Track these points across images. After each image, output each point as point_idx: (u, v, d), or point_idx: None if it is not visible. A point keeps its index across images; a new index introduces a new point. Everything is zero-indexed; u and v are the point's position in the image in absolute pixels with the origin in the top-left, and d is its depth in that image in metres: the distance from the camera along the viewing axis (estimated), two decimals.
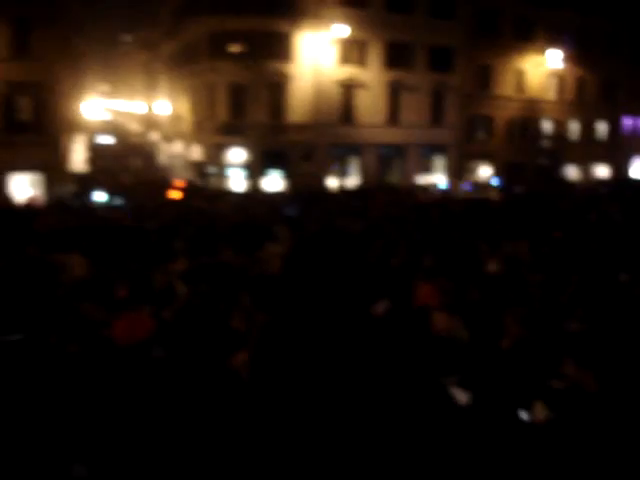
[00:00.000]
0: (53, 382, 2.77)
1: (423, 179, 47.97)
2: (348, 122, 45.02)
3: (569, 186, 49.00)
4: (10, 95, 35.35)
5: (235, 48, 42.81)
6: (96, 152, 66.27)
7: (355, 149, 45.74)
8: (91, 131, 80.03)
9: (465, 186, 44.18)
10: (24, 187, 36.32)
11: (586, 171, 55.73)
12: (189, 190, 40.42)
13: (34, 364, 2.76)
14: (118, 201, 36.27)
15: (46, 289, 13.06)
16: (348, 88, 44.86)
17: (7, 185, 35.64)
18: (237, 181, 43.54)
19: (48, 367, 2.80)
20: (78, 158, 47.55)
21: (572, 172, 55.73)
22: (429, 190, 43.18)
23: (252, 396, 2.75)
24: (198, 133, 46.61)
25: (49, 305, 10.24)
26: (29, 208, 32.13)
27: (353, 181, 46.01)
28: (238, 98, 42.79)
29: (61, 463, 3.42)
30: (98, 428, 4.05)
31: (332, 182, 44.93)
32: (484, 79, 50.32)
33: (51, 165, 35.91)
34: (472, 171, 50.61)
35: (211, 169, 44.58)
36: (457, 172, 48.60)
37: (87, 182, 43.52)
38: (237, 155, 43.48)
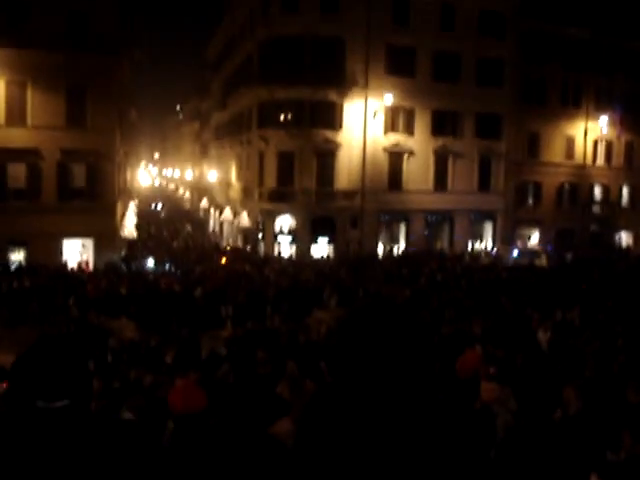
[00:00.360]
0: (99, 450, 2.73)
1: (472, 245, 47.69)
2: (395, 188, 45.19)
3: (621, 252, 48.27)
4: (65, 163, 36.35)
5: (284, 117, 43.59)
6: (147, 218, 67.54)
7: (403, 215, 45.80)
8: (143, 198, 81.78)
9: (514, 252, 43.77)
10: (76, 252, 37.01)
11: (638, 237, 54.79)
12: (237, 256, 40.77)
13: (80, 431, 2.72)
14: (167, 267, 36.70)
15: (95, 353, 13.16)
16: (395, 155, 45.18)
17: (60, 249, 36.34)
18: (285, 247, 43.83)
19: (95, 435, 2.76)
20: (129, 224, 48.41)
21: (624, 238, 54.87)
22: (478, 256, 42.90)
23: (296, 465, 2.69)
24: (247, 200, 47.21)
25: (98, 370, 10.29)
26: (80, 273, 32.72)
27: (401, 247, 45.94)
28: (286, 165, 43.35)
29: None
30: None
31: (380, 248, 44.92)
32: (533, 145, 50.28)
33: (103, 230, 36.58)
34: (521, 237, 50.20)
35: (259, 235, 44.97)
36: (506, 238, 48.23)
37: (138, 248, 44.26)
38: (285, 221, 43.86)
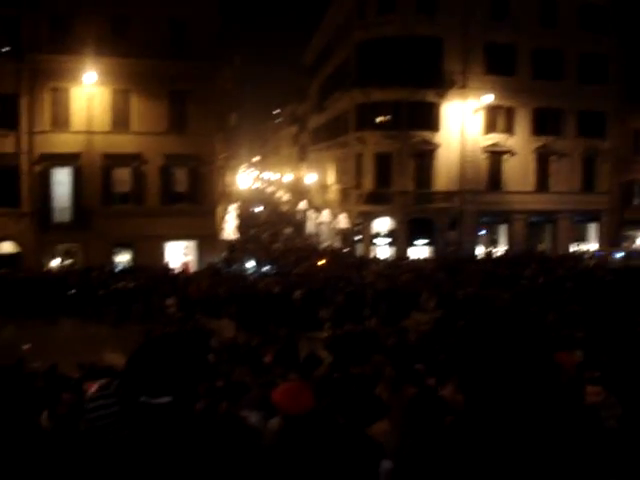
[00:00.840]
0: (199, 447, 2.79)
1: (575, 247, 46.35)
2: (495, 189, 44.42)
3: None
4: (168, 167, 37.39)
5: (381, 119, 43.54)
6: (247, 221, 68.68)
7: (503, 216, 44.95)
8: (243, 200, 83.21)
9: (620, 254, 42.29)
10: (179, 254, 38.01)
11: None
12: (336, 258, 40.93)
13: (181, 428, 2.80)
14: (267, 268, 37.18)
15: (198, 352, 13.43)
16: (495, 155, 44.41)
17: (164, 252, 37.39)
18: (383, 249, 43.73)
19: (196, 432, 2.83)
20: (230, 226, 49.32)
21: None
22: (581, 258, 41.65)
23: (399, 467, 2.69)
24: (344, 202, 47.35)
25: (200, 368, 10.51)
26: (182, 274, 33.57)
27: (501, 249, 45.12)
28: (384, 167, 43.26)
29: None
30: None
31: (479, 250, 44.25)
32: (639, 143, 48.45)
33: (204, 233, 37.43)
34: (628, 239, 48.40)
35: (357, 237, 45.03)
36: (612, 239, 46.65)
37: (238, 249, 45.06)
38: (383, 223, 43.77)
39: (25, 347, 14.37)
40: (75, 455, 3.12)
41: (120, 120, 36.68)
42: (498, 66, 43.06)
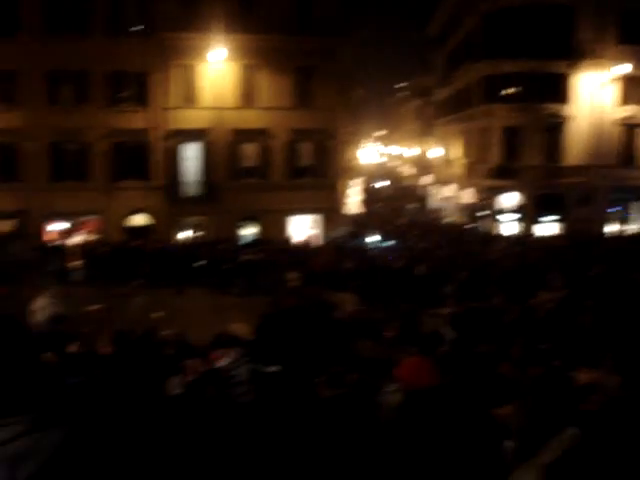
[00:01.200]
0: (317, 417, 2.79)
1: None
2: (629, 164, 42.43)
3: None
4: (293, 142, 37.84)
5: (509, 91, 42.38)
6: (371, 195, 68.67)
7: (636, 193, 42.91)
8: (367, 175, 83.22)
9: None
10: (303, 227, 38.47)
11: None
12: (459, 234, 40.37)
13: (290, 396, 2.81)
14: (390, 243, 37.08)
15: (319, 325, 13.58)
16: (629, 128, 42.37)
17: (288, 225, 37.97)
18: (509, 225, 42.71)
19: (312, 400, 2.83)
20: (354, 201, 49.47)
21: None
22: None
23: (523, 448, 2.60)
24: (470, 176, 46.54)
25: (320, 340, 10.61)
26: (307, 247, 33.96)
27: (635, 227, 43.13)
28: (512, 141, 42.17)
29: None
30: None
31: (612, 227, 42.46)
32: None
33: (328, 207, 37.73)
34: None
35: (482, 213, 44.20)
36: None
37: (361, 224, 45.15)
38: (510, 199, 42.73)
39: (156, 315, 14.87)
40: (203, 420, 3.19)
41: (247, 95, 37.35)
42: (634, 34, 40.85)
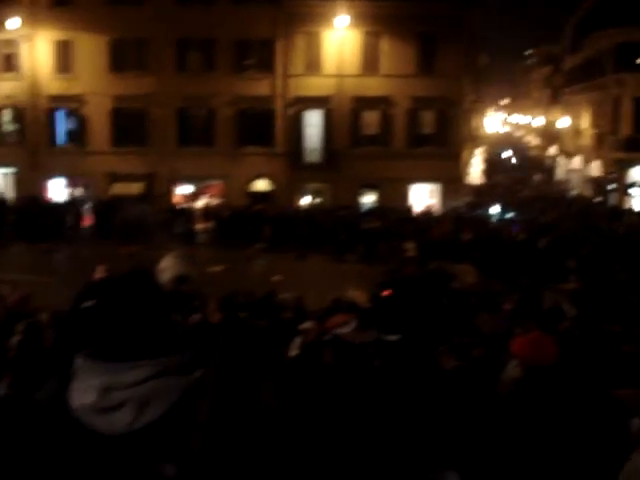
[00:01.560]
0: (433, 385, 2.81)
1: None
2: None
3: None
4: (415, 110, 37.39)
5: None
6: (493, 165, 67.27)
7: None
8: (490, 144, 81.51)
9: None
10: (423, 197, 38.13)
11: None
12: (586, 207, 39.04)
13: (413, 366, 2.83)
14: (512, 215, 36.31)
15: (437, 295, 13.53)
16: None
17: (408, 194, 37.72)
18: (638, 200, 40.90)
19: (427, 369, 2.86)
20: (475, 170, 48.62)
21: None
22: None
23: None
24: (599, 148, 44.78)
25: (439, 310, 10.59)
26: (426, 217, 33.70)
27: None
28: None
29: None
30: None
31: None
32: None
33: (449, 176, 37.18)
34: None
35: (611, 186, 42.49)
36: None
37: (483, 194, 44.37)
38: None
39: (275, 279, 15.20)
40: (319, 384, 3.27)
41: (370, 63, 37.14)
42: None
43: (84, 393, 1.89)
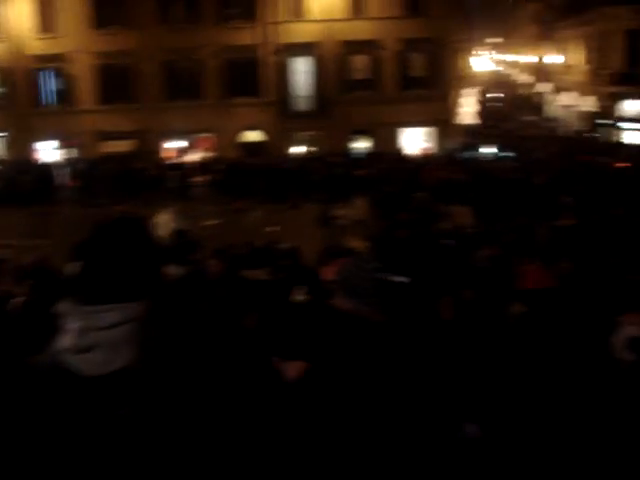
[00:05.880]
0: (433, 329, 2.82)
1: None
2: None
3: None
4: (404, 52, 36.97)
5: None
6: (485, 105, 66.85)
7: None
8: (480, 84, 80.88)
9: None
10: (415, 140, 37.94)
11: None
12: (578, 143, 38.93)
13: (419, 312, 2.84)
14: (506, 154, 36.22)
15: (434, 239, 13.54)
16: None
17: (400, 138, 37.53)
18: (630, 134, 40.69)
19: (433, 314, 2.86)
20: (467, 111, 48.31)
21: None
22: None
23: None
24: (590, 83, 44.45)
25: (436, 254, 10.60)
26: (420, 160, 33.59)
27: None
28: (635, 45, 39.79)
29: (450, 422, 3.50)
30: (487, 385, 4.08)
31: None
32: None
33: (441, 119, 36.97)
34: None
35: (603, 121, 42.27)
36: None
37: (475, 135, 44.17)
38: (632, 106, 40.60)
39: (271, 229, 15.22)
40: (328, 326, 3.27)
41: (356, 6, 36.59)
42: None
43: (66, 336, 1.95)
